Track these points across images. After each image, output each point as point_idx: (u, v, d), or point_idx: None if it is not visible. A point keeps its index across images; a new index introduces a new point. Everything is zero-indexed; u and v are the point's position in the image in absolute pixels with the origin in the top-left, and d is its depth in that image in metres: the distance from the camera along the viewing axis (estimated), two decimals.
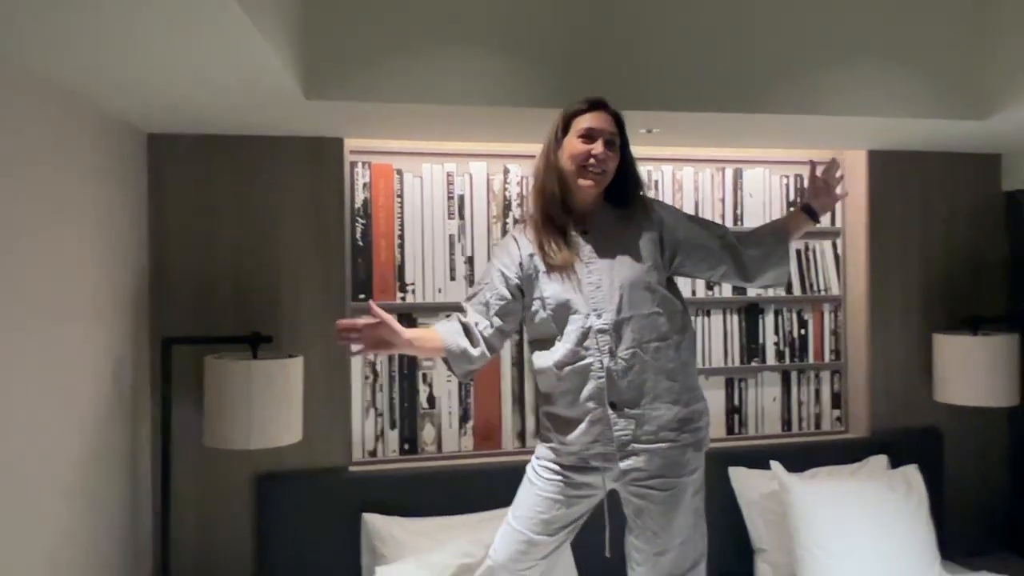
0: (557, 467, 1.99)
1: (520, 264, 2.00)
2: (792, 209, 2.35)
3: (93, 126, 2.03)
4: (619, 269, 1.96)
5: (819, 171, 2.25)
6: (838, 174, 2.24)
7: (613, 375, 1.91)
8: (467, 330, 1.98)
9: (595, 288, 1.94)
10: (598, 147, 1.93)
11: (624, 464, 1.92)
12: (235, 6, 1.33)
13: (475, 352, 1.97)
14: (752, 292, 3.04)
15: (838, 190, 2.24)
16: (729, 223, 3.03)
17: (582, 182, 1.95)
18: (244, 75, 1.81)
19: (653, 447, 1.92)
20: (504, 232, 2.81)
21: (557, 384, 1.97)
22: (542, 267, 1.98)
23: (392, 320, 1.90)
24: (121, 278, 2.23)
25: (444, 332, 1.97)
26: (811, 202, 2.22)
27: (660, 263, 2.02)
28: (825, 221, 3.11)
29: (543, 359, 1.99)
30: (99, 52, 1.59)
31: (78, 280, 1.93)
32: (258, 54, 1.64)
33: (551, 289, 1.96)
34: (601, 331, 1.92)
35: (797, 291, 3.10)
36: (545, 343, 2.00)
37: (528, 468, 2.08)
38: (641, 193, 2.07)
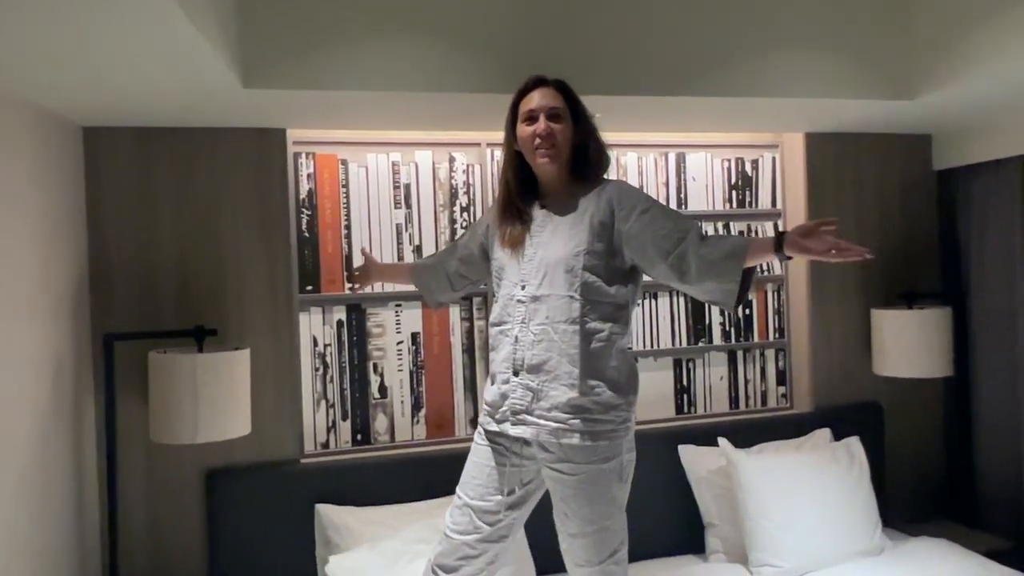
0: (484, 430, 2.07)
1: (487, 227, 2.18)
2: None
3: (24, 120, 1.99)
4: (550, 247, 1.98)
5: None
6: (833, 227, 1.79)
7: (521, 344, 1.97)
8: (436, 267, 2.39)
9: (528, 260, 2.00)
10: (540, 125, 1.96)
11: (515, 431, 1.96)
12: None
13: (437, 288, 2.41)
14: None
15: (832, 250, 1.76)
16: (674, 206, 3.08)
17: (538, 160, 1.99)
18: (178, 66, 1.79)
19: (542, 423, 1.92)
20: (452, 221, 2.83)
21: (491, 342, 2.09)
22: (497, 236, 2.11)
23: (372, 261, 2.54)
24: (59, 274, 2.19)
25: (415, 268, 2.48)
26: (791, 233, 1.78)
27: (598, 248, 1.95)
28: (767, 202, 3.20)
29: (491, 317, 2.11)
30: (27, 44, 1.56)
31: (12, 278, 1.89)
32: (191, 44, 1.63)
33: (499, 256, 2.09)
34: (520, 301, 1.99)
35: None
36: (495, 303, 2.11)
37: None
38: (606, 173, 2.05)
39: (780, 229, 1.94)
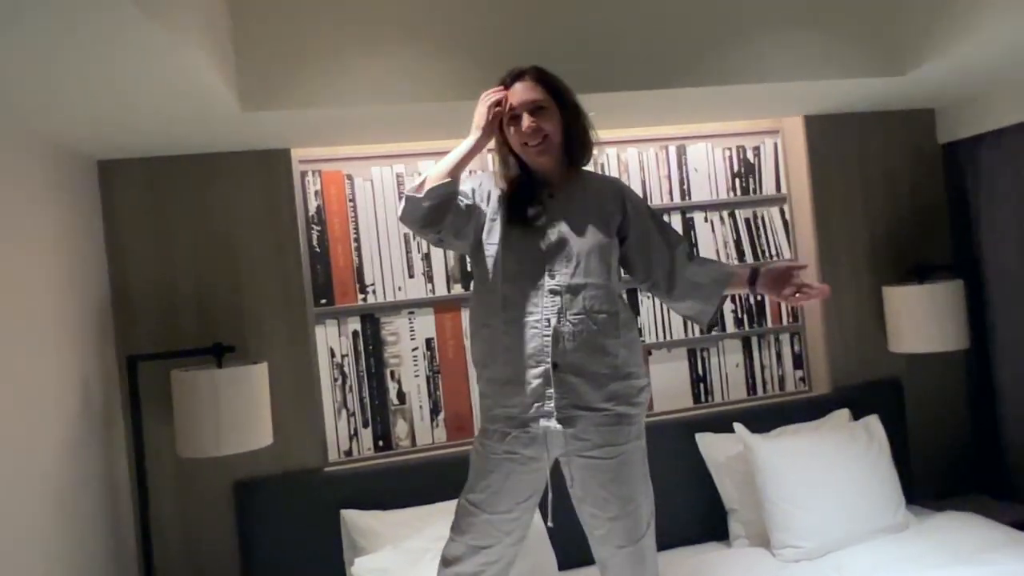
0: (500, 441, 1.97)
1: (490, 198, 2.04)
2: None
3: (42, 156, 2.10)
4: (577, 236, 1.98)
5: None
6: (803, 269, 2.11)
7: (560, 337, 1.92)
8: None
9: (554, 249, 1.97)
10: (525, 122, 1.95)
11: (561, 427, 1.92)
12: (159, 30, 1.40)
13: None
14: None
15: (798, 293, 2.06)
16: (676, 199, 3.12)
17: (532, 157, 2.00)
18: (177, 94, 1.88)
19: (588, 414, 1.94)
20: None
21: (500, 339, 1.97)
22: (501, 213, 2.01)
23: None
24: (82, 301, 2.29)
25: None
26: (763, 275, 2.07)
27: (614, 239, 2.05)
28: (771, 188, 3.22)
29: (489, 312, 2.00)
30: (39, 84, 1.66)
31: (37, 307, 1.99)
32: (188, 72, 1.71)
33: (507, 240, 1.99)
34: (553, 291, 1.95)
35: (750, 258, 3.18)
36: (493, 295, 2.00)
37: (473, 445, 2.08)
38: (600, 165, 2.09)
39: (756, 268, 2.03)
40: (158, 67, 1.64)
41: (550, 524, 2.04)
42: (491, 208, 2.05)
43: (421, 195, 1.92)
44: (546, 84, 1.99)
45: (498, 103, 1.97)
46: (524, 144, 1.98)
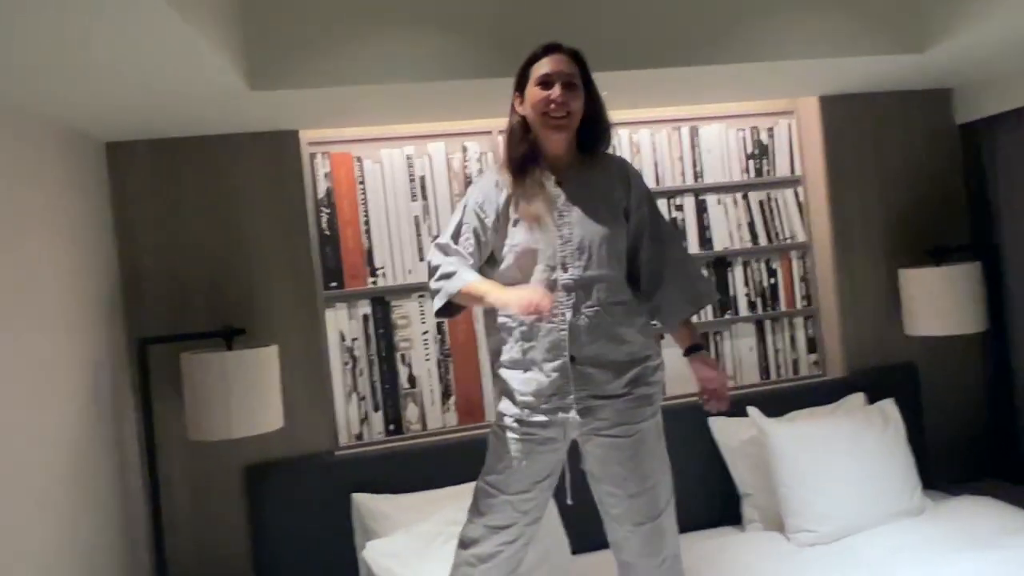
0: (517, 423, 1.97)
1: (497, 206, 2.00)
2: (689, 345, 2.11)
3: (49, 138, 2.08)
4: (588, 226, 1.96)
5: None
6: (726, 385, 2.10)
7: (576, 330, 1.93)
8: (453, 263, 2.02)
9: (565, 241, 1.95)
10: (556, 91, 1.91)
11: (581, 418, 1.93)
12: (166, 8, 1.38)
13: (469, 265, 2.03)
14: (719, 245, 3.10)
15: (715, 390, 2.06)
16: (689, 181, 3.08)
17: (547, 129, 1.95)
18: (185, 74, 1.86)
19: (608, 402, 1.94)
20: None
21: (520, 334, 1.97)
22: (514, 213, 1.98)
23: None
24: (92, 284, 2.28)
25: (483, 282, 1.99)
26: (699, 363, 2.07)
27: (624, 228, 2.03)
28: (785, 170, 3.18)
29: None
30: (45, 66, 1.64)
31: (47, 289, 1.98)
32: (195, 51, 1.68)
33: (519, 236, 1.97)
34: (567, 287, 1.93)
35: (763, 241, 3.14)
36: None
37: (491, 428, 2.08)
38: (613, 147, 2.06)
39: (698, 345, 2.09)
40: (165, 46, 1.62)
41: (570, 502, 2.04)
42: (499, 211, 2.01)
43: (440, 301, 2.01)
44: (580, 64, 1.98)
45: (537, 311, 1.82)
46: (545, 114, 1.94)
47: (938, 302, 2.92)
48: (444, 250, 2.05)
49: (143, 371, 2.37)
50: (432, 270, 2.05)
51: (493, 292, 1.92)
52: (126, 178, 2.54)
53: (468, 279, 1.97)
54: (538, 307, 1.80)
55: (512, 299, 1.86)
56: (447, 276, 2.00)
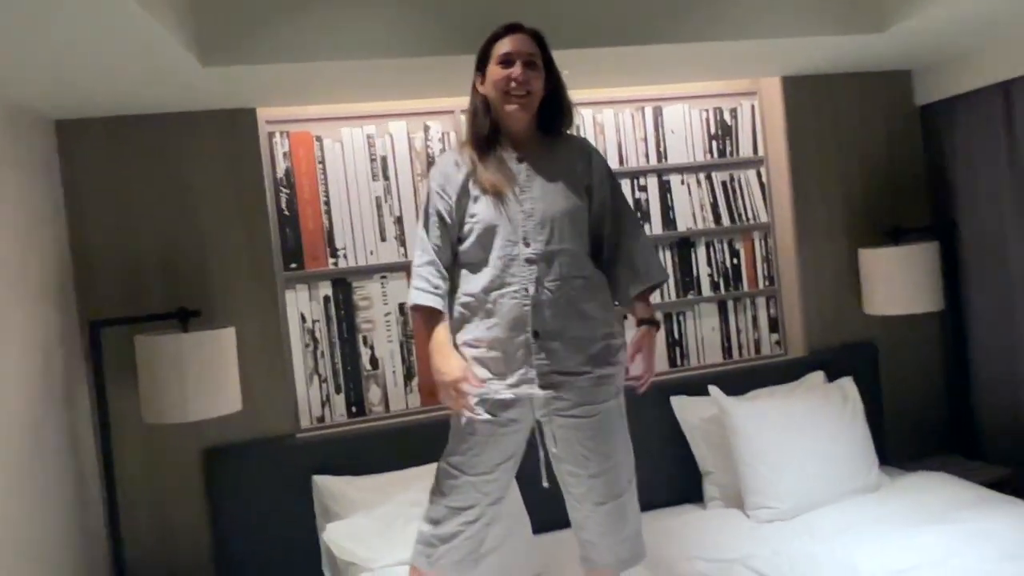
0: (480, 404, 1.96)
1: (458, 185, 2.01)
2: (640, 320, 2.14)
3: None
4: (550, 201, 1.97)
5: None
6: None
7: (539, 304, 1.93)
8: (434, 277, 2.02)
9: (527, 216, 1.96)
10: (516, 70, 1.93)
11: (544, 393, 1.94)
12: None
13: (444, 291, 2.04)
14: (682, 226, 3.10)
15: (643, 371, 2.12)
16: (653, 161, 3.08)
17: (508, 107, 1.95)
18: (133, 49, 1.81)
19: (571, 379, 1.95)
20: None
21: (480, 310, 1.97)
22: (475, 189, 1.99)
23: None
24: (42, 266, 2.23)
25: (441, 323, 2.01)
26: (637, 342, 2.10)
27: (586, 203, 2.05)
28: (748, 151, 3.19)
29: (471, 283, 1.99)
30: None
31: None
32: (143, 25, 1.64)
33: (480, 212, 1.97)
34: (529, 260, 1.94)
35: (727, 222, 3.15)
36: (473, 267, 2.00)
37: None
38: (576, 127, 2.09)
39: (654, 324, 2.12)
40: (113, 20, 1.57)
41: (546, 484, 2.03)
42: (461, 189, 2.01)
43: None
44: (541, 44, 2.00)
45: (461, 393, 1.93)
46: (506, 92, 1.95)
47: (897, 281, 2.95)
48: (423, 247, 2.04)
49: (96, 354, 2.33)
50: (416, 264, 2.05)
51: (428, 346, 1.99)
52: (77, 157, 2.47)
53: (419, 304, 2.00)
54: (460, 404, 1.92)
55: (440, 372, 1.95)
56: (418, 282, 2.01)
